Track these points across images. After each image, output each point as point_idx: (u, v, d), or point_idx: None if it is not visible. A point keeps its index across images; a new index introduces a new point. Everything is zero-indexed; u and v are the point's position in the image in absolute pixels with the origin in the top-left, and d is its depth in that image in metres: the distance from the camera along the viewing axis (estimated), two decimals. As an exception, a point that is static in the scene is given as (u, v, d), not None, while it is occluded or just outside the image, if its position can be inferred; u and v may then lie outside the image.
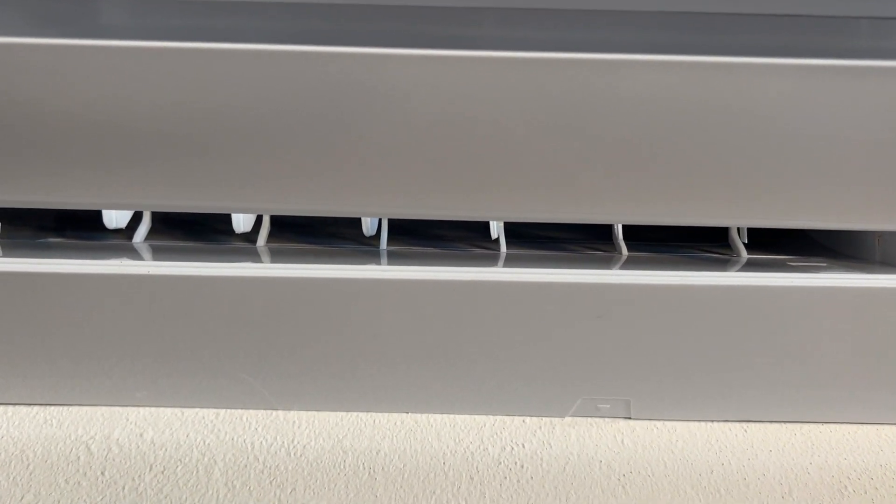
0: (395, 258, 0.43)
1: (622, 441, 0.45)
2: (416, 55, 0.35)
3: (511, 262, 0.42)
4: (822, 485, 0.44)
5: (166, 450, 0.44)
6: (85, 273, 0.38)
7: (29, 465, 0.43)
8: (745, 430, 0.46)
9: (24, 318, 0.40)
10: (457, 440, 0.45)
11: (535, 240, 0.49)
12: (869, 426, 0.46)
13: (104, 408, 0.46)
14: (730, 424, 0.46)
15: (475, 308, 0.41)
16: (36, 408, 0.45)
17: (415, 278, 0.41)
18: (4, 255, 0.39)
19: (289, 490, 0.42)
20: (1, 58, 0.35)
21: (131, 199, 0.39)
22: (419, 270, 0.41)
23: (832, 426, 0.47)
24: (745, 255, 0.44)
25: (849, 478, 0.44)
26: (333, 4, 0.36)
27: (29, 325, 0.41)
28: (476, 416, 0.46)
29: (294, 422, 0.45)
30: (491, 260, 0.43)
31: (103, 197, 0.39)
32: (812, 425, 0.47)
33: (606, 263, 0.43)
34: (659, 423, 0.46)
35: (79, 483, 0.42)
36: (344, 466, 0.43)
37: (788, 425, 0.47)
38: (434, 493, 0.42)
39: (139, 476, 0.42)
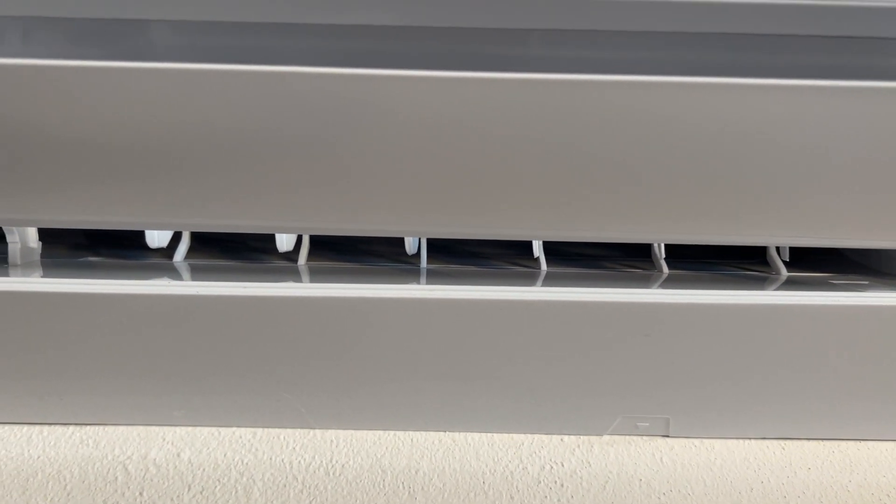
0: (434, 277, 0.43)
1: (661, 459, 0.45)
2: (461, 77, 0.35)
3: (551, 280, 0.42)
4: (861, 503, 0.44)
5: (204, 469, 0.43)
6: (131, 294, 0.38)
7: (66, 485, 0.42)
8: (783, 448, 0.46)
9: (61, 337, 0.40)
10: (496, 459, 0.45)
11: (573, 258, 0.49)
12: (905, 443, 0.46)
13: (140, 427, 0.45)
14: (767, 442, 0.46)
15: (515, 327, 0.41)
16: (72, 427, 0.45)
17: (454, 297, 0.41)
18: (45, 276, 0.39)
19: (329, 510, 0.42)
20: (45, 80, 0.35)
21: (173, 220, 0.39)
22: (459, 290, 0.40)
23: (870, 443, 0.46)
24: (784, 272, 0.44)
25: (888, 495, 0.44)
26: (376, 27, 0.36)
27: (66, 344, 0.41)
28: (514, 435, 0.46)
29: (332, 441, 0.45)
30: (531, 278, 0.43)
31: (146, 217, 0.39)
32: (850, 442, 0.46)
33: (647, 282, 0.43)
34: (696, 441, 0.46)
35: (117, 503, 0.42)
36: (383, 486, 0.43)
37: (826, 443, 0.46)
38: (475, 512, 0.42)
39: (178, 496, 0.42)
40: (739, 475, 0.44)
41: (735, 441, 0.46)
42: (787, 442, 0.46)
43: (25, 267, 0.40)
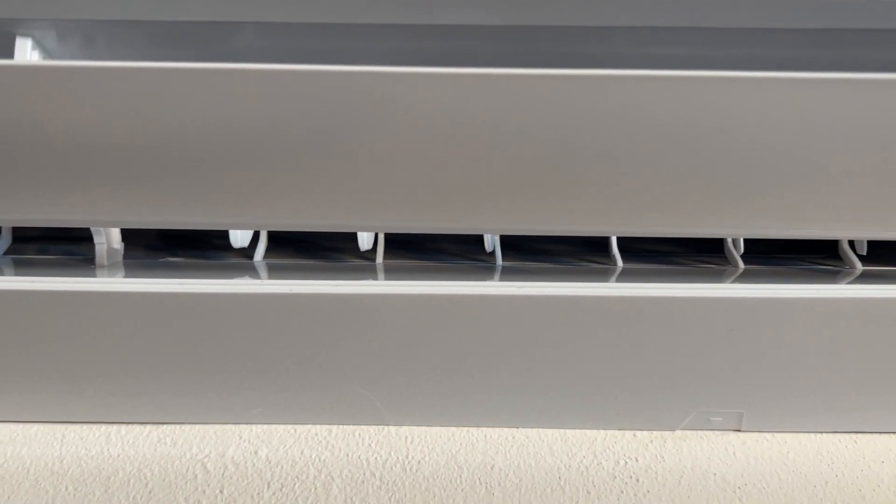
0: (509, 274, 0.43)
1: (734, 453, 0.45)
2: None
3: (626, 276, 0.43)
4: (937, 496, 0.44)
5: (282, 467, 0.44)
6: (216, 293, 0.38)
7: (147, 483, 0.43)
8: (856, 442, 0.46)
9: (141, 338, 0.40)
10: (570, 455, 0.45)
11: (643, 254, 0.49)
12: (979, 436, 0.46)
13: (216, 426, 0.46)
14: (839, 436, 0.46)
15: (591, 323, 0.41)
16: (149, 426, 0.46)
17: (530, 294, 0.41)
18: (129, 276, 0.39)
19: (407, 503, 0.42)
20: (126, 82, 0.35)
21: (255, 219, 0.39)
22: (535, 287, 0.41)
23: (942, 436, 0.47)
24: (860, 266, 0.44)
25: (964, 488, 0.44)
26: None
27: (143, 344, 0.41)
28: (587, 431, 0.46)
29: (406, 437, 0.45)
30: (605, 275, 0.43)
31: (226, 217, 0.39)
32: (922, 436, 0.47)
33: (723, 277, 0.43)
34: (768, 435, 0.46)
35: (199, 501, 0.42)
36: (460, 481, 0.43)
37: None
38: (552, 507, 0.42)
39: (258, 494, 0.42)
40: (813, 469, 0.45)
41: (807, 435, 0.46)
42: (859, 436, 0.46)
43: (111, 268, 0.40)
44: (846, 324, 0.41)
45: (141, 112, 0.34)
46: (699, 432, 0.46)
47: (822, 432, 0.46)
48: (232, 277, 0.39)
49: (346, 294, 0.40)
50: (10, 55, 0.31)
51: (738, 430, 0.46)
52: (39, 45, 0.32)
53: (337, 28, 0.38)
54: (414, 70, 0.33)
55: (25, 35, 0.31)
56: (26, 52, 0.31)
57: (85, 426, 0.46)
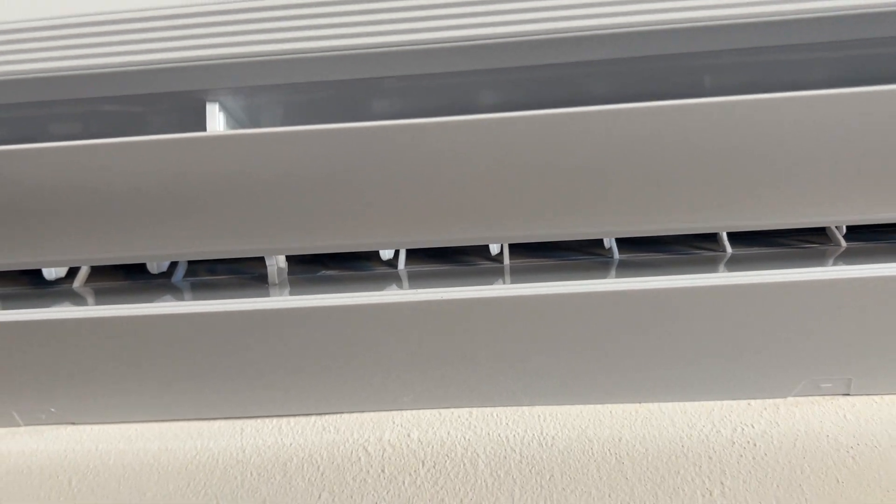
0: (626, 268, 0.48)
1: (845, 416, 0.49)
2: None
3: (734, 264, 0.47)
4: None
5: (433, 447, 0.50)
6: (364, 304, 0.44)
7: (319, 467, 0.49)
8: (963, 399, 0.49)
9: (310, 344, 0.46)
10: (690, 425, 0.49)
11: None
12: None
13: (372, 413, 0.52)
14: (946, 394, 0.50)
15: (705, 308, 0.45)
16: (314, 417, 0.52)
17: (649, 287, 0.45)
18: (293, 292, 0.46)
19: (547, 476, 0.47)
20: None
21: (392, 239, 0.45)
22: (652, 280, 0.45)
23: None
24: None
25: None
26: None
27: (312, 348, 0.47)
28: (704, 402, 0.50)
29: (539, 415, 0.51)
30: (714, 264, 0.47)
31: (372, 238, 0.45)
32: None
33: (824, 258, 0.46)
34: (877, 398, 0.50)
35: (364, 480, 0.48)
36: (592, 453, 0.48)
37: None
38: (678, 472, 0.47)
39: (415, 471, 0.49)
40: (922, 427, 0.48)
41: (913, 396, 0.49)
42: (966, 394, 0.49)
43: (281, 285, 0.47)
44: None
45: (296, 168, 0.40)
46: (810, 398, 0.50)
47: (927, 393, 0.50)
48: (380, 288, 0.45)
49: (476, 298, 0.45)
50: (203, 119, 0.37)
51: (847, 395, 0.50)
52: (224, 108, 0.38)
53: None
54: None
55: (213, 101, 0.37)
56: (215, 118, 0.37)
57: (259, 420, 0.53)
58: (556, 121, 0.37)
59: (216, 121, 0.37)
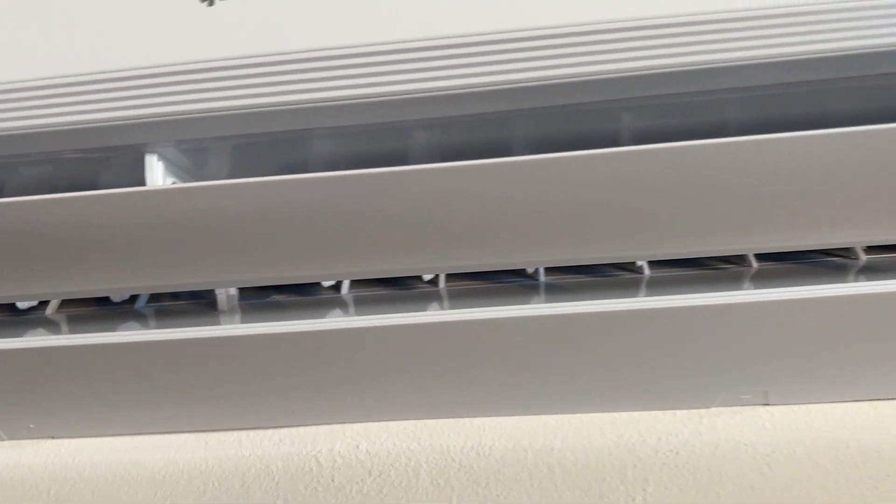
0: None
1: (763, 425, 0.52)
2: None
3: (653, 287, 0.50)
4: (950, 453, 0.49)
5: (379, 457, 0.54)
6: (319, 330, 0.47)
7: (275, 476, 0.53)
8: (875, 409, 0.52)
9: (262, 366, 0.50)
10: (618, 434, 0.53)
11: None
12: None
13: (325, 426, 0.56)
14: (860, 404, 0.52)
15: (624, 335, 0.49)
16: (272, 430, 0.56)
17: (577, 312, 0.48)
18: (244, 320, 0.50)
19: (483, 484, 0.51)
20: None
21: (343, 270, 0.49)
22: (581, 305, 0.48)
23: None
24: (863, 257, 0.50)
25: (976, 445, 0.49)
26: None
27: (267, 371, 0.51)
28: (632, 413, 0.54)
29: (479, 427, 0.54)
30: (635, 288, 0.50)
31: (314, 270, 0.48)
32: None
33: (740, 280, 0.49)
34: (795, 407, 0.53)
35: (315, 489, 0.52)
36: (526, 462, 0.52)
37: (907, 400, 0.52)
38: (604, 479, 0.50)
39: (362, 480, 0.52)
40: (836, 435, 0.51)
41: (830, 405, 0.52)
42: (878, 403, 0.52)
43: (231, 311, 0.51)
44: (852, 317, 0.47)
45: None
46: (733, 409, 0.53)
47: (843, 401, 0.53)
48: (323, 315, 0.49)
49: (417, 324, 0.49)
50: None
51: (767, 405, 0.53)
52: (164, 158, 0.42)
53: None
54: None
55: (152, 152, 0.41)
56: (153, 168, 0.40)
57: (222, 433, 0.57)
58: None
59: (154, 172, 0.41)
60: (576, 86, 0.41)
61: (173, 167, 0.43)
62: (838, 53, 0.41)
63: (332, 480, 0.53)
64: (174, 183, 0.43)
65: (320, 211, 0.44)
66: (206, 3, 0.40)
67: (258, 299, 0.52)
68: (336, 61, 0.42)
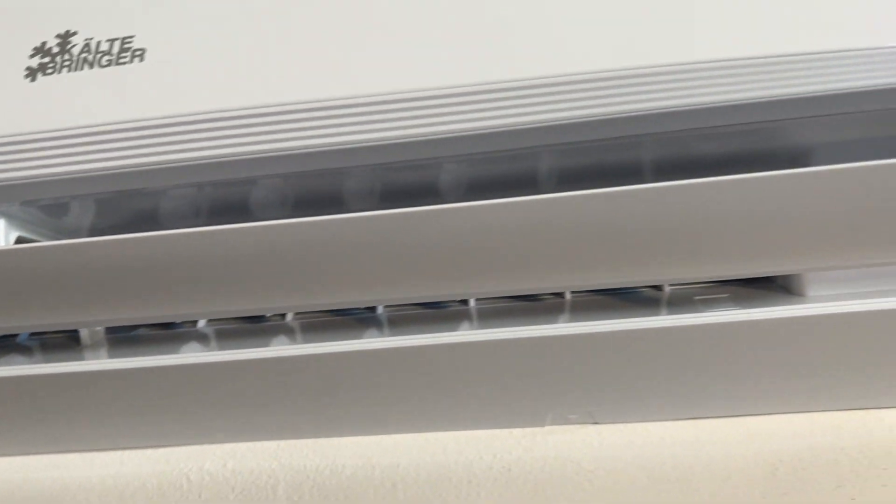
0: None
1: (591, 443, 0.56)
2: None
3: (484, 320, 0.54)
4: (756, 468, 0.53)
5: (243, 475, 0.58)
6: (182, 364, 0.52)
7: (149, 493, 0.59)
8: (695, 426, 0.56)
9: (129, 397, 0.55)
10: (459, 452, 0.57)
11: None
12: (802, 414, 0.55)
13: (197, 446, 0.61)
14: (682, 422, 0.57)
15: (464, 362, 0.53)
16: (150, 450, 0.61)
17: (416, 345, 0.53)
18: (112, 354, 0.55)
19: (333, 500, 0.56)
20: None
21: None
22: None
23: (770, 417, 0.56)
24: (668, 289, 0.54)
25: (781, 460, 0.54)
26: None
27: (136, 400, 0.56)
28: (473, 431, 0.58)
29: (335, 446, 0.59)
30: (458, 321, 0.55)
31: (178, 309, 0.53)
32: (752, 417, 0.56)
33: (558, 315, 0.54)
34: (622, 426, 0.57)
35: (184, 505, 0.57)
36: (373, 479, 0.57)
37: (732, 419, 0.56)
38: (440, 495, 0.55)
39: (226, 497, 0.57)
40: (655, 451, 0.55)
41: (653, 423, 0.57)
42: (699, 421, 0.56)
43: (96, 346, 0.56)
44: (660, 347, 0.51)
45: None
46: (565, 427, 0.58)
47: (664, 420, 0.57)
48: (177, 350, 0.54)
49: (265, 359, 0.53)
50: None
51: (596, 423, 0.57)
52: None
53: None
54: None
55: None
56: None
57: (106, 453, 0.62)
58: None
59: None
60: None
61: (17, 222, 0.48)
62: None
63: (200, 496, 0.58)
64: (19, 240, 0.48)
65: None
66: (28, 80, 0.45)
67: (123, 333, 0.57)
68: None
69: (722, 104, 0.46)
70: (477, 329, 0.53)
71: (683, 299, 0.53)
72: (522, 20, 0.48)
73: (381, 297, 0.54)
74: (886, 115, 0.44)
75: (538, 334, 0.52)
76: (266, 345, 0.54)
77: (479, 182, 0.54)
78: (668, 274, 0.50)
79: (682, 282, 0.53)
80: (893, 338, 0.49)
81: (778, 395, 0.55)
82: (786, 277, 0.51)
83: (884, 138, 0.47)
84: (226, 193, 0.55)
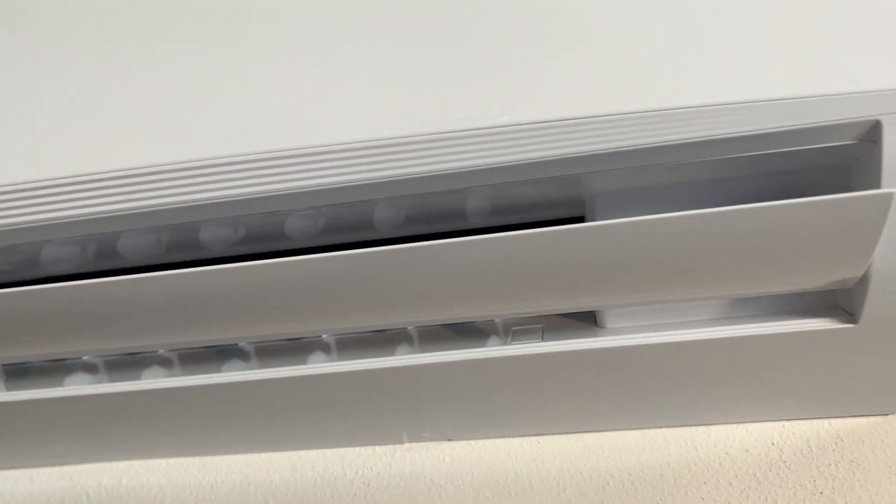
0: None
1: (444, 459, 0.61)
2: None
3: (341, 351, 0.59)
4: (589, 482, 0.58)
5: (136, 491, 0.64)
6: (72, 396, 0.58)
7: (53, 508, 0.65)
8: (539, 442, 0.61)
9: (33, 424, 0.61)
10: (325, 468, 0.62)
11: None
12: (634, 431, 0.59)
13: (96, 464, 0.67)
14: (527, 438, 0.61)
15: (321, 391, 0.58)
16: (56, 468, 0.67)
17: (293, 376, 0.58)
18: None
19: (212, 514, 0.62)
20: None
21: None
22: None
23: (607, 433, 0.60)
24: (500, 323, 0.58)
25: (612, 475, 0.58)
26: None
27: (41, 427, 0.62)
28: (340, 449, 0.63)
29: (217, 464, 0.65)
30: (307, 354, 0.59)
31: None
32: (591, 434, 0.60)
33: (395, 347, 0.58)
34: (473, 442, 0.62)
35: (83, 518, 0.64)
36: (248, 496, 0.62)
37: (572, 435, 0.60)
38: (305, 510, 0.60)
39: (119, 511, 0.63)
40: (500, 467, 0.60)
41: (502, 440, 0.61)
42: (543, 437, 0.61)
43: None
44: (498, 374, 0.55)
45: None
46: (423, 444, 0.62)
47: (513, 437, 0.61)
48: (62, 383, 0.59)
49: (139, 391, 0.59)
50: None
51: (450, 440, 0.62)
52: None
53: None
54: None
55: None
56: None
57: (19, 470, 0.68)
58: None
59: None
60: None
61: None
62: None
63: (97, 512, 0.64)
64: None
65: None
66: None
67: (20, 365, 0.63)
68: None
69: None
70: (335, 360, 0.58)
71: (506, 330, 0.56)
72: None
73: (248, 334, 0.58)
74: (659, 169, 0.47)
75: (384, 365, 0.56)
76: (139, 377, 0.59)
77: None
78: (491, 312, 0.54)
79: (504, 316, 0.56)
80: (683, 363, 0.52)
81: (609, 413, 0.59)
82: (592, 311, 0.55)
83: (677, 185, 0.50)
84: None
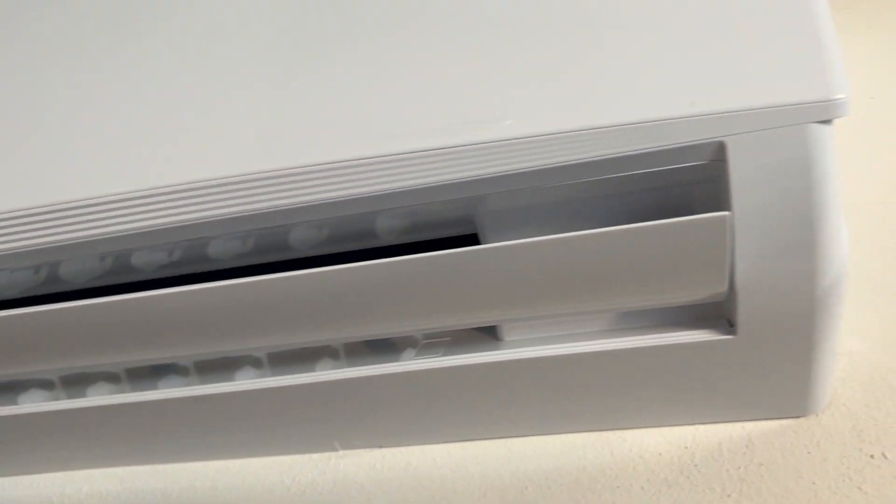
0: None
1: (374, 466, 0.64)
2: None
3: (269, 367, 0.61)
4: (509, 486, 0.60)
5: (94, 498, 0.68)
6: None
7: (21, 513, 0.69)
8: (464, 448, 0.63)
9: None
10: (265, 476, 0.65)
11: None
12: (556, 437, 0.61)
13: (60, 473, 0.71)
14: (454, 444, 0.63)
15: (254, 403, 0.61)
16: (25, 477, 0.72)
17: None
18: None
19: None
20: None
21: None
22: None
23: (530, 438, 0.62)
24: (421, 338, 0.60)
25: (531, 479, 0.60)
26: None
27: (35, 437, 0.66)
28: (278, 457, 0.66)
29: (168, 471, 0.68)
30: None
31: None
32: (516, 439, 0.62)
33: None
34: (404, 449, 0.64)
35: (47, 524, 0.68)
36: (196, 500, 0.66)
37: (497, 441, 0.62)
38: (245, 515, 0.63)
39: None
40: (427, 472, 0.62)
41: (430, 446, 0.63)
42: (467, 443, 0.63)
43: None
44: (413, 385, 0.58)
45: None
46: (357, 451, 0.65)
47: (440, 443, 0.63)
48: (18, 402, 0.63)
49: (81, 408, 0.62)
50: None
51: (382, 447, 0.64)
52: None
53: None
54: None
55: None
56: None
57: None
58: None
59: None
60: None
61: None
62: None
63: (60, 517, 0.68)
64: None
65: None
66: None
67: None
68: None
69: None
70: (267, 376, 0.61)
71: (414, 343, 0.59)
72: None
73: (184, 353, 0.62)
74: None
75: (309, 380, 0.59)
76: (83, 395, 0.63)
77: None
78: (397, 328, 0.56)
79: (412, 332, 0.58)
80: (579, 373, 0.54)
81: (526, 419, 0.60)
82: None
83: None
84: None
